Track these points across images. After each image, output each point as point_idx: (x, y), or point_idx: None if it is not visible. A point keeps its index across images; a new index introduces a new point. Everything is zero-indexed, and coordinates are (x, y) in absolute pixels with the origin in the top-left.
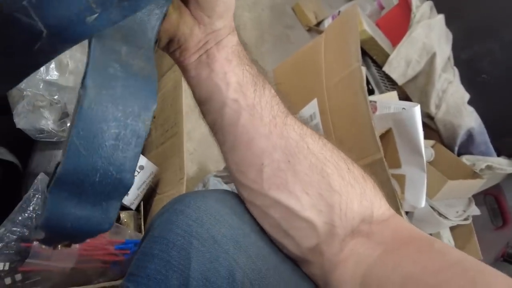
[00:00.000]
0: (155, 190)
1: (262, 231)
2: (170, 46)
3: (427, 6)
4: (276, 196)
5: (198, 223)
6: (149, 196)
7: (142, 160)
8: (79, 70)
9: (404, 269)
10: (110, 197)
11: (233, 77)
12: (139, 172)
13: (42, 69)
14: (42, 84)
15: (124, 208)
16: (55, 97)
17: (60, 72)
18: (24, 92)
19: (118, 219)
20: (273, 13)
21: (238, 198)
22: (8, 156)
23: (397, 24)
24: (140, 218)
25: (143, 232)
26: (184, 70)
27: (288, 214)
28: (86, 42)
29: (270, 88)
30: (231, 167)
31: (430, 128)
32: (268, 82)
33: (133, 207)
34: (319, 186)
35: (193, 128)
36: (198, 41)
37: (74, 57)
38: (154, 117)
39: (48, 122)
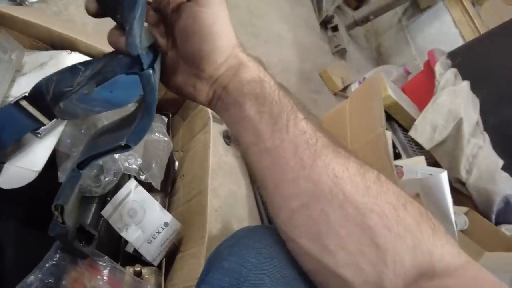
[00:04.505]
0: (178, 248)
1: None
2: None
3: (451, 73)
4: (308, 247)
5: (270, 261)
6: (171, 253)
7: (167, 217)
8: None
9: None
10: None
11: (248, 122)
12: (163, 229)
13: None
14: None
15: (146, 263)
16: None
17: None
18: (71, 153)
19: (139, 274)
20: (301, 79)
21: None
22: None
23: (423, 89)
24: (161, 275)
25: None
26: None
27: (321, 268)
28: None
29: (299, 123)
30: (268, 204)
31: (463, 194)
32: (302, 110)
33: (155, 263)
34: (358, 241)
35: (220, 185)
36: (206, 93)
37: (111, 119)
38: (183, 175)
39: (85, 178)
